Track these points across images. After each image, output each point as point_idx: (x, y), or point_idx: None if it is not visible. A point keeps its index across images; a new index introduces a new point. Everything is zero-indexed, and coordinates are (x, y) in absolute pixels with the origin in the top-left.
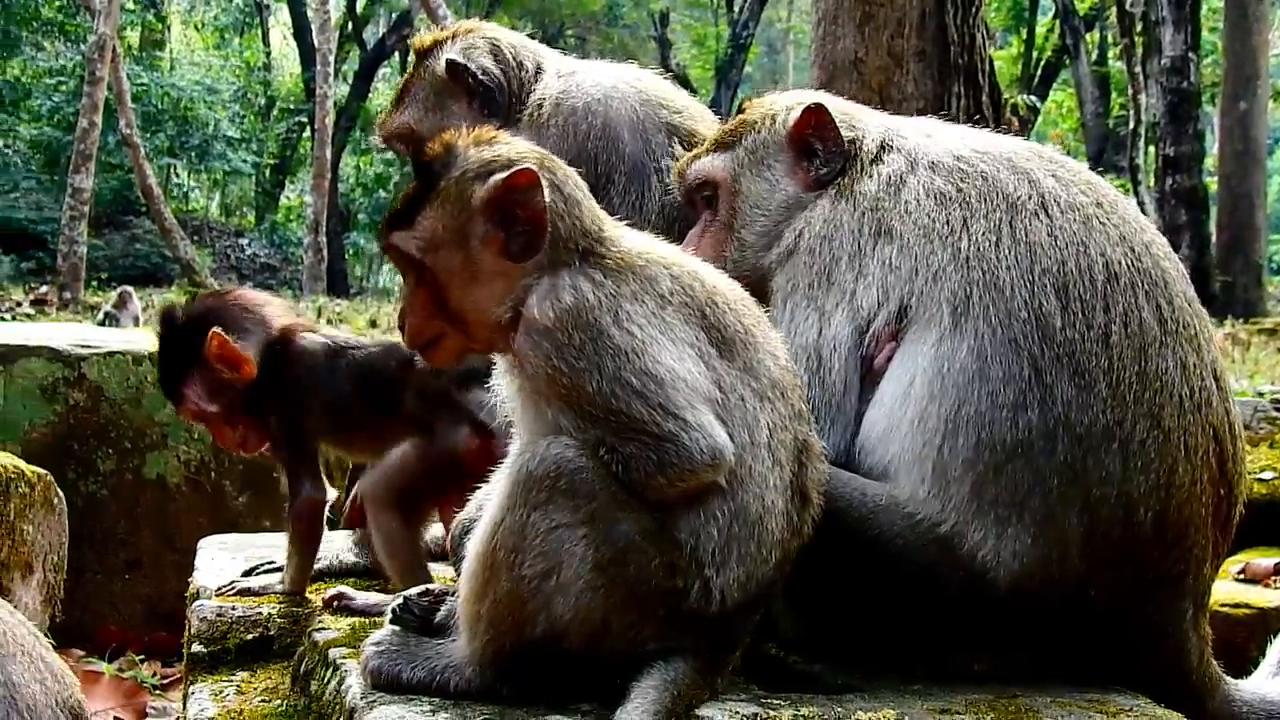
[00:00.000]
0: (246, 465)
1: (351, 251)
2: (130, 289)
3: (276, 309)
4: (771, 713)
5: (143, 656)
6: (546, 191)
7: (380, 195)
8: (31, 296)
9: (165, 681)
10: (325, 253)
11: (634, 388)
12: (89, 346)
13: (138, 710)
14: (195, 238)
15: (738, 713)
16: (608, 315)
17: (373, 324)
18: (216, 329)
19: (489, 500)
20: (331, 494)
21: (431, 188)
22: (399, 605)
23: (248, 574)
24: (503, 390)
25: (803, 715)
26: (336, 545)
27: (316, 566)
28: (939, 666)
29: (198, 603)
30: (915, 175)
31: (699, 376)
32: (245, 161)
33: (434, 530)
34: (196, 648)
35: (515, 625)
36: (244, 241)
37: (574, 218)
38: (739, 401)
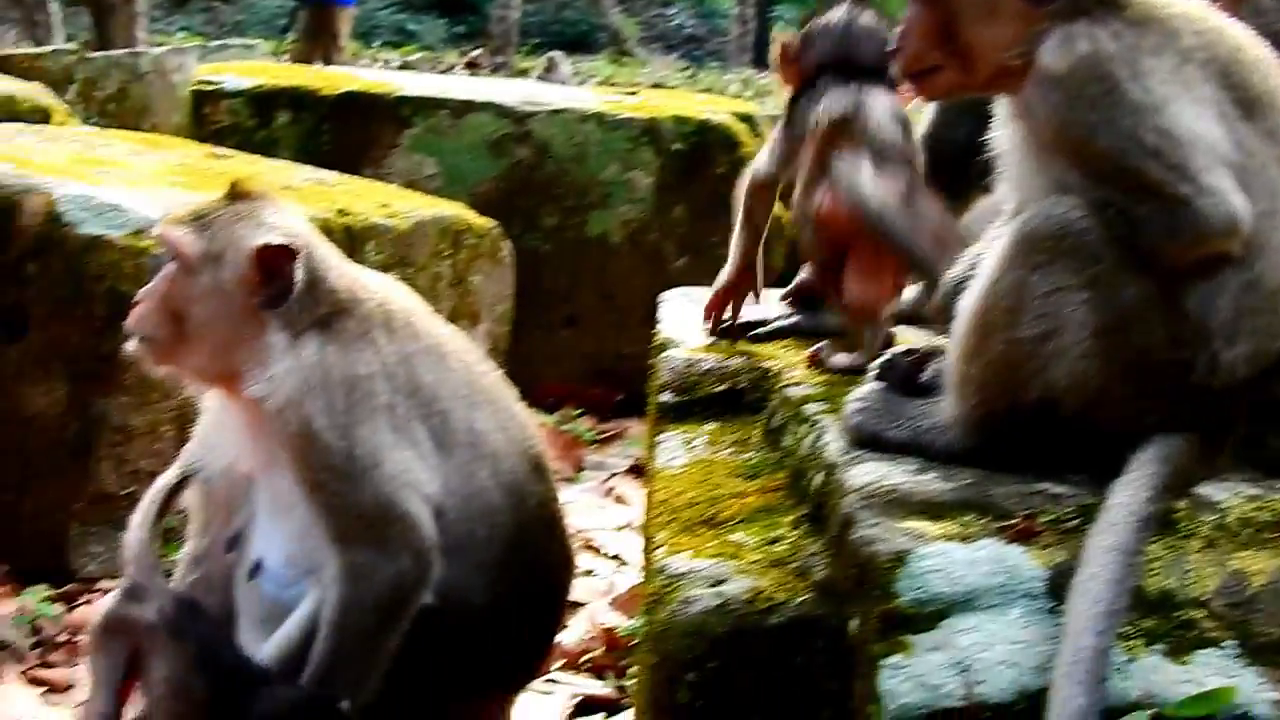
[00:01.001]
0: (687, 228)
1: (779, 24)
2: (559, 54)
3: None
4: (1276, 496)
5: (580, 411)
6: None
7: None
8: (464, 60)
9: (602, 436)
10: (752, 25)
11: (1149, 146)
12: (535, 104)
13: (575, 462)
14: (623, 6)
15: (1239, 493)
16: (1125, 68)
17: None
18: None
19: (983, 259)
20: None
21: None
22: (883, 363)
23: (713, 329)
24: (1001, 143)
25: None
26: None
27: (784, 324)
28: None
29: (665, 353)
30: None
31: (1219, 138)
32: None
33: (905, 293)
34: (665, 397)
35: (1007, 388)
36: (670, 11)
37: None
38: (1260, 167)
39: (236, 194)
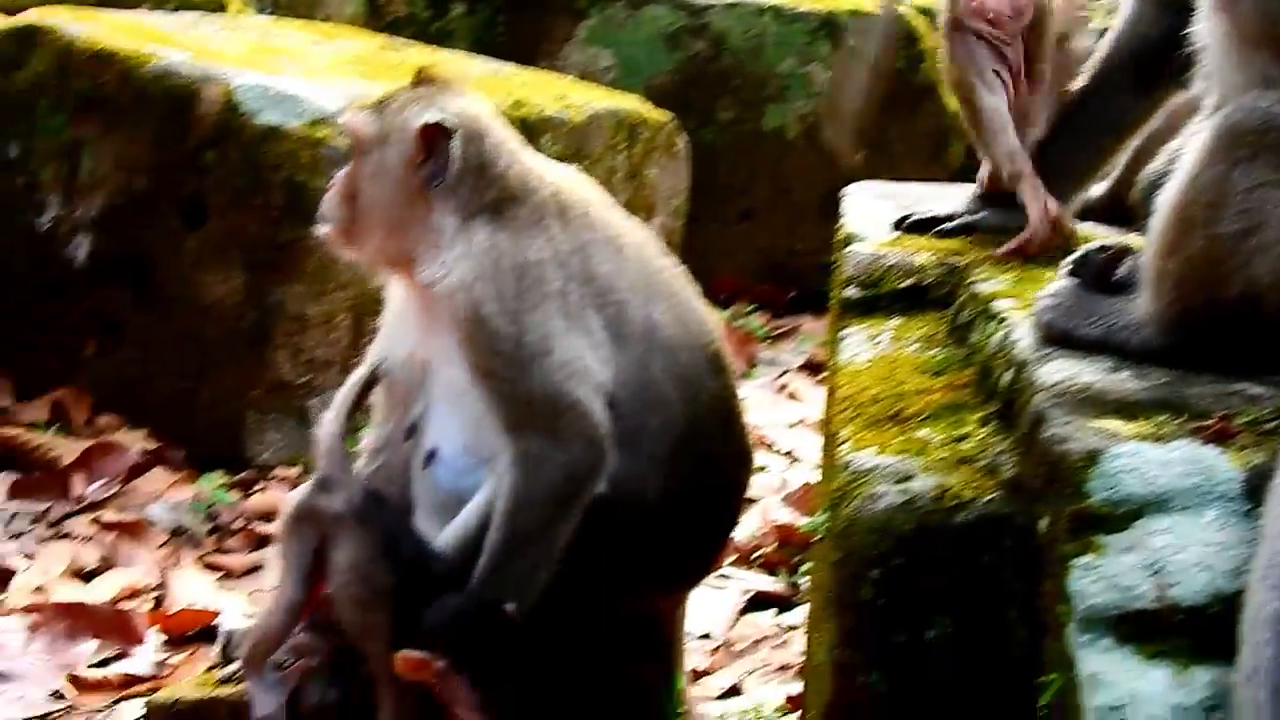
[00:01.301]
0: (864, 122)
1: None
2: None
3: None
4: None
5: (754, 307)
6: None
7: None
8: None
9: (775, 333)
10: None
11: None
12: None
13: (748, 359)
14: None
15: None
16: None
17: None
18: None
19: (1183, 154)
20: None
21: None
22: (1076, 260)
23: (898, 224)
24: (1202, 37)
25: None
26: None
27: (970, 220)
28: None
29: (851, 247)
30: None
31: None
32: None
33: (1093, 190)
34: (849, 292)
35: (1206, 285)
36: None
37: None
38: None
39: (420, 80)
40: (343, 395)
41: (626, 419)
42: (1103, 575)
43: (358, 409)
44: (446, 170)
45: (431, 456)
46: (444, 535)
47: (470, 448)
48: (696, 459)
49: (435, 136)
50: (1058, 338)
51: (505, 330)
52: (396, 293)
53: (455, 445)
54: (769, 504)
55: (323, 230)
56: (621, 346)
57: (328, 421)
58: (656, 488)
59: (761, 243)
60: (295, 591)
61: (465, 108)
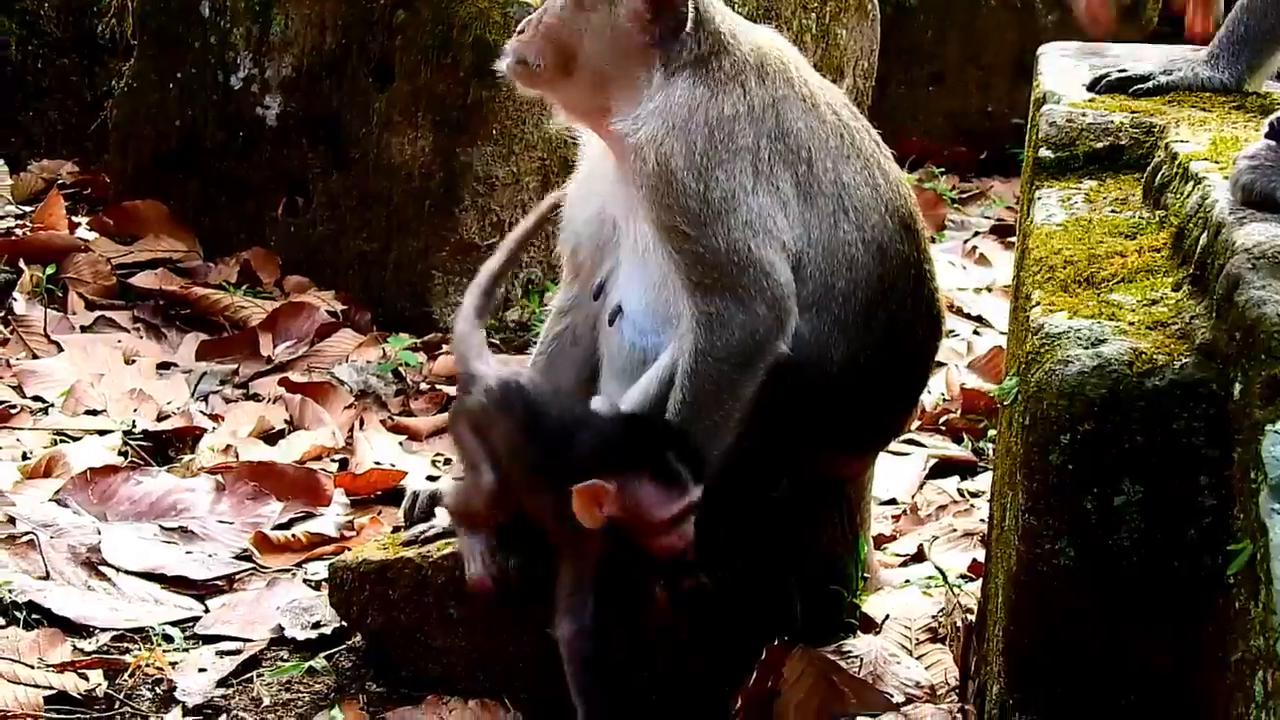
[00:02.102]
0: None
1: None
2: None
3: None
4: None
5: (943, 170)
6: None
7: None
8: None
9: (963, 196)
10: None
11: None
12: None
13: (936, 222)
14: None
15: None
16: None
17: None
18: None
19: None
20: None
21: None
22: (1277, 120)
23: (1094, 84)
24: None
25: None
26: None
27: (1170, 78)
28: None
29: (1046, 107)
30: None
31: None
32: None
33: None
34: (1044, 152)
35: None
36: None
37: None
38: None
39: None
40: (475, 287)
41: (814, 279)
42: None
43: (491, 296)
44: (680, 28)
45: (617, 314)
46: (625, 399)
47: (654, 306)
48: (886, 322)
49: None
50: (1257, 199)
51: (692, 186)
52: (589, 150)
53: (640, 303)
54: (956, 369)
55: (506, 65)
56: (810, 204)
57: (460, 320)
58: (844, 350)
59: (952, 105)
60: (489, 476)
61: None
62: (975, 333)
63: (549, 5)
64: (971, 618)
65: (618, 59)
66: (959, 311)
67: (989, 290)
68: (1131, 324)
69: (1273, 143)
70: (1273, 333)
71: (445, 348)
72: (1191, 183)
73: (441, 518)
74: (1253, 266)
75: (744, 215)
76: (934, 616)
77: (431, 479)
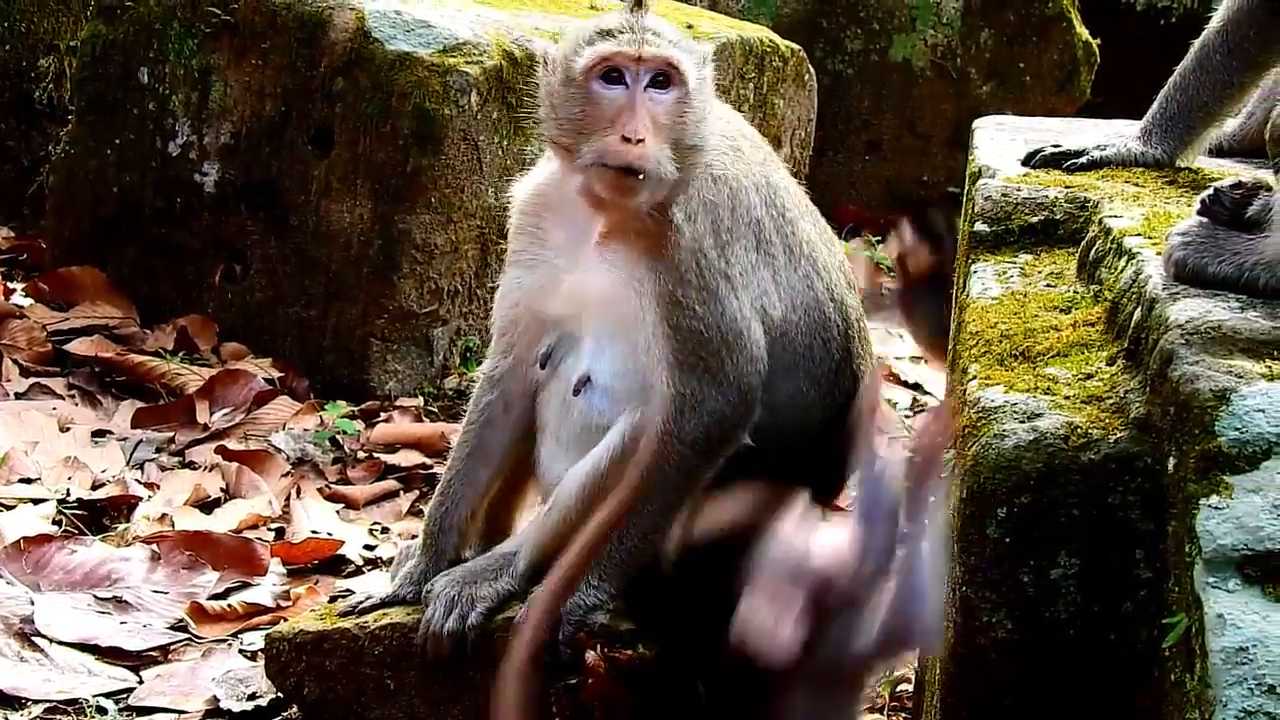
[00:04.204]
0: (993, 53)
1: None
2: None
3: None
4: None
5: (879, 238)
6: None
7: None
8: None
9: None
10: None
11: None
12: None
13: (876, 288)
14: None
15: None
16: None
17: None
18: None
19: None
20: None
21: None
22: (1208, 196)
23: (1029, 159)
24: None
25: None
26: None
27: (1102, 155)
28: None
29: (981, 181)
30: None
31: None
32: None
33: (1226, 126)
34: (979, 226)
35: None
36: None
37: None
38: None
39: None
40: None
41: (797, 341)
42: (1230, 516)
43: None
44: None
45: (585, 384)
46: (574, 471)
47: (630, 379)
48: (850, 377)
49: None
50: (1189, 275)
51: (717, 263)
52: (546, 216)
53: (614, 375)
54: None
55: (643, 194)
56: (795, 268)
57: None
58: (820, 406)
59: (888, 173)
60: None
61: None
62: (914, 401)
63: (651, 104)
64: (910, 688)
65: (706, 128)
66: (897, 379)
67: (924, 360)
68: (1067, 398)
69: (1204, 219)
70: (1205, 408)
71: (383, 415)
72: (1125, 258)
73: (374, 587)
74: (1185, 342)
75: (753, 292)
76: (872, 687)
77: (369, 548)
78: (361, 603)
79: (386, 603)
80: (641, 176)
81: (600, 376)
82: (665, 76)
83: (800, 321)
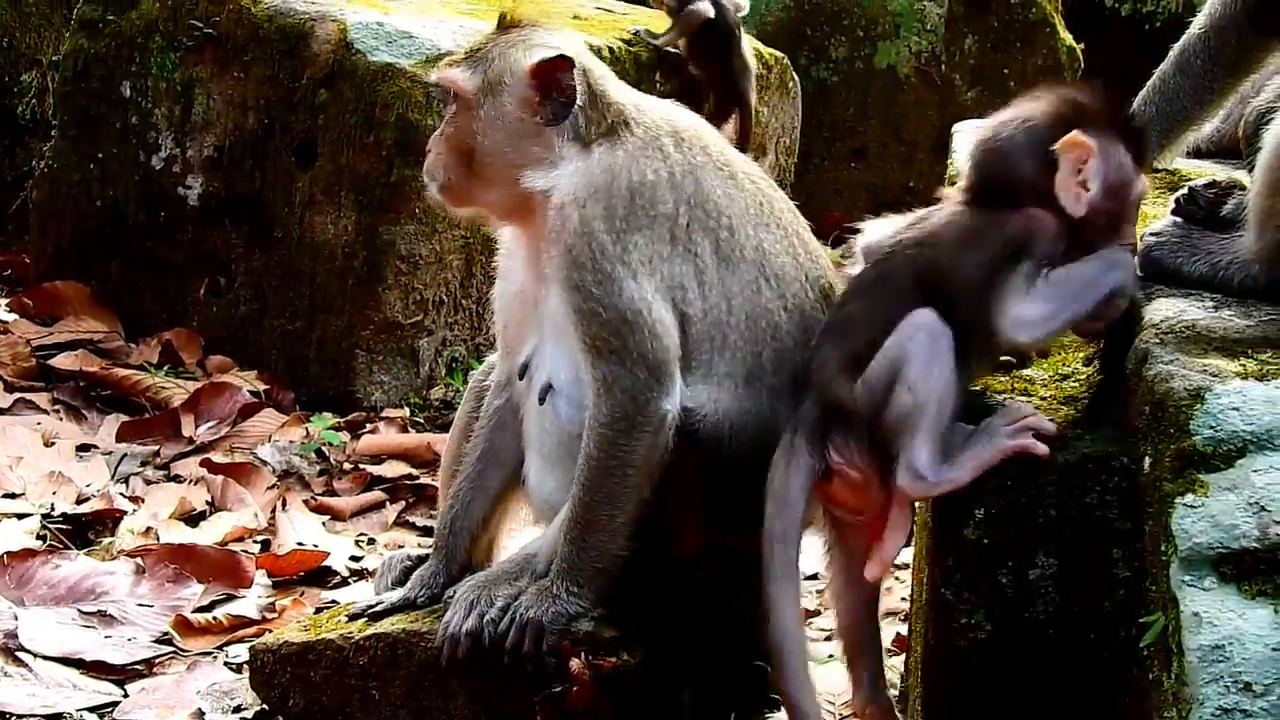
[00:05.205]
0: (978, 59)
1: None
2: None
3: None
4: None
5: None
6: None
7: None
8: None
9: None
10: None
11: None
12: None
13: None
14: None
15: None
16: None
17: None
18: None
19: None
20: None
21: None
22: (1182, 196)
23: None
24: None
25: None
26: None
27: None
28: None
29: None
30: None
31: None
32: None
33: (1205, 128)
34: None
35: None
36: None
37: None
38: None
39: (506, 25)
40: None
41: (740, 349)
42: (1205, 514)
43: None
44: (569, 104)
45: (548, 391)
46: (563, 511)
47: (582, 377)
48: None
49: (549, 72)
50: (1164, 274)
51: (610, 248)
52: (508, 231)
53: (570, 376)
54: None
55: (431, 193)
56: (732, 270)
57: None
58: (778, 422)
59: (874, 180)
60: None
61: (564, 41)
62: None
63: (447, 117)
64: (895, 692)
65: (518, 147)
66: None
67: None
68: (1044, 399)
69: (1179, 219)
70: (1180, 406)
71: (369, 426)
72: None
73: (361, 597)
74: (1160, 341)
75: (655, 281)
76: None
77: (355, 559)
78: (373, 606)
79: (399, 607)
80: (431, 181)
81: (560, 382)
82: (453, 95)
83: (742, 326)
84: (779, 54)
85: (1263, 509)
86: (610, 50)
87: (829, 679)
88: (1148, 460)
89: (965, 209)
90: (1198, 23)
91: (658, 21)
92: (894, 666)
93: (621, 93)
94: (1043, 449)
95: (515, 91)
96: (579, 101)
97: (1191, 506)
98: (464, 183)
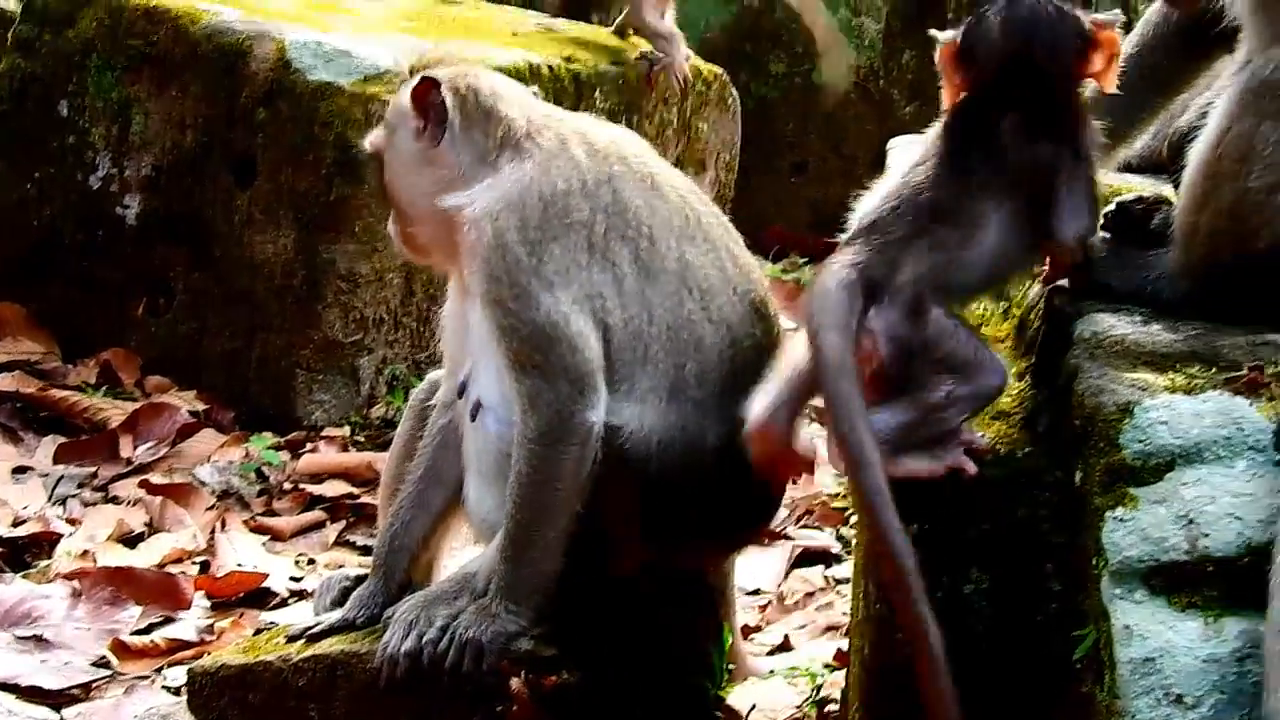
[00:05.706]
0: (916, 74)
1: None
2: None
3: None
4: None
5: (806, 260)
6: None
7: None
8: None
9: None
10: None
11: None
12: None
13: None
14: None
15: None
16: None
17: None
18: None
19: (1213, 108)
20: None
21: None
22: (1111, 212)
23: None
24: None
25: None
26: None
27: None
28: None
29: None
30: None
31: None
32: None
33: (1136, 144)
34: None
35: (1236, 239)
36: None
37: None
38: None
39: (410, 72)
40: None
41: (661, 361)
42: (1135, 527)
43: None
44: (446, 118)
45: (478, 409)
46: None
47: (509, 395)
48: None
49: (425, 95)
50: (1094, 289)
51: (525, 260)
52: None
53: (497, 394)
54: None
55: (399, 254)
56: (652, 281)
57: None
58: (705, 436)
59: (814, 195)
60: None
61: (453, 70)
62: None
63: None
64: (835, 707)
65: (423, 173)
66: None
67: None
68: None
69: (1107, 234)
70: (1110, 421)
71: (309, 446)
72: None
73: (300, 619)
74: (1091, 356)
75: (573, 292)
76: (798, 707)
77: (295, 579)
78: (311, 628)
79: (338, 628)
80: (394, 241)
81: (489, 400)
82: (374, 156)
83: (664, 337)
84: (718, 70)
85: (1191, 522)
86: (550, 68)
87: (772, 694)
88: (1079, 474)
89: None
90: (1130, 41)
91: (600, 37)
92: (834, 682)
93: (525, 108)
94: (972, 468)
95: (405, 124)
96: (457, 118)
97: (1121, 520)
98: (407, 229)
